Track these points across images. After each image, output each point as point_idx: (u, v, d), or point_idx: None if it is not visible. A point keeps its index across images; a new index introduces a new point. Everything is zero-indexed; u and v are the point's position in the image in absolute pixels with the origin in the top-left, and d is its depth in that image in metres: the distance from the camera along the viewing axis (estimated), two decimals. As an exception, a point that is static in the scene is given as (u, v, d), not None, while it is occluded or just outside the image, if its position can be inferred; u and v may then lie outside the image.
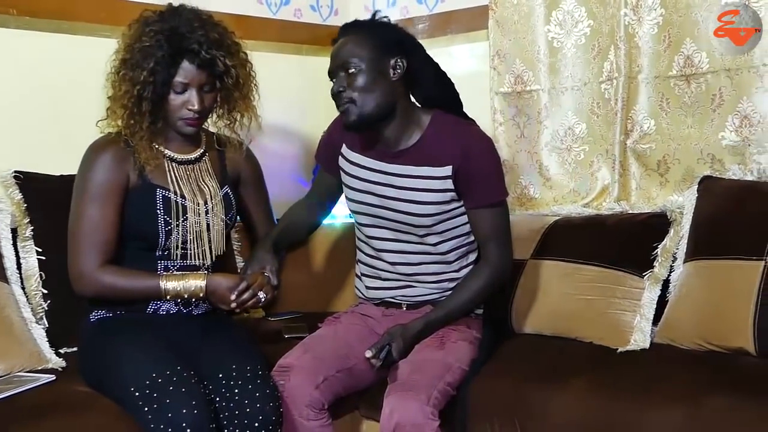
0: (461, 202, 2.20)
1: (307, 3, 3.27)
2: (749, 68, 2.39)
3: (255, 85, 2.19)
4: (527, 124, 2.90)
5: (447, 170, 2.15)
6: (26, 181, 2.30)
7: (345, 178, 2.31)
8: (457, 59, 3.10)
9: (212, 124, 2.24)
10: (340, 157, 2.31)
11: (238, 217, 2.31)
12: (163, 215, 2.07)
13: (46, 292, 2.25)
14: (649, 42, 2.59)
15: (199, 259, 2.14)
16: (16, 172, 2.30)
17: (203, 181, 2.17)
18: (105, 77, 2.07)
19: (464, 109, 2.27)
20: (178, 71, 2.02)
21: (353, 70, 2.09)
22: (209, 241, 2.15)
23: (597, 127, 2.74)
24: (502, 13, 2.88)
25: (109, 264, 2.04)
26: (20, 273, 2.24)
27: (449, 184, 2.16)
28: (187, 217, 2.09)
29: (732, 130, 2.44)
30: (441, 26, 3.16)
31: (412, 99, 2.22)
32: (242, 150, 2.28)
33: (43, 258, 2.25)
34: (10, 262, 2.22)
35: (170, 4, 2.12)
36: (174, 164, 2.14)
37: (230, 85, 2.11)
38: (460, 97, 2.26)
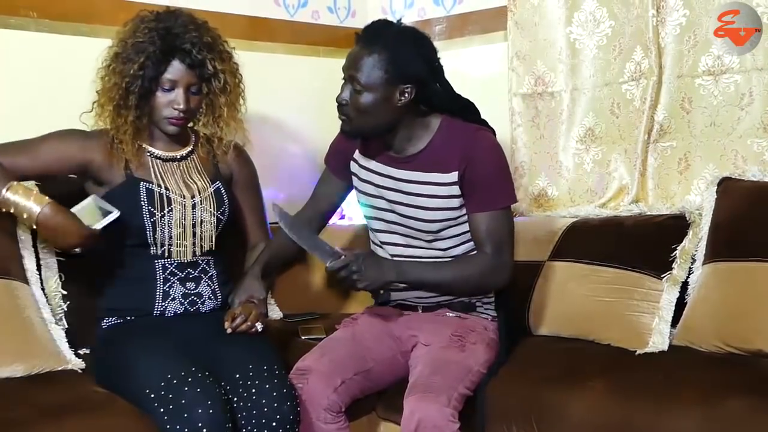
0: None
1: (325, 5, 3.27)
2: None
3: (242, 95, 2.21)
4: (547, 125, 2.88)
5: (453, 176, 2.13)
6: (46, 182, 2.31)
7: (358, 184, 2.30)
8: (475, 61, 3.09)
9: (200, 129, 2.26)
10: (352, 162, 2.30)
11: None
12: (148, 206, 2.09)
13: (65, 293, 2.25)
14: (672, 42, 2.57)
15: (190, 255, 2.15)
16: (36, 173, 2.32)
17: (190, 177, 2.19)
18: (96, 72, 2.10)
19: (481, 115, 2.23)
20: (167, 69, 2.05)
21: (359, 88, 2.05)
22: (199, 237, 2.15)
23: (616, 127, 2.73)
24: (522, 14, 2.87)
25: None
26: (40, 274, 2.24)
27: (456, 190, 2.14)
28: (171, 208, 2.11)
29: (760, 127, 2.43)
30: (458, 27, 3.15)
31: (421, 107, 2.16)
32: (231, 150, 2.27)
33: (63, 259, 2.26)
34: (30, 263, 2.22)
35: (168, 7, 2.15)
36: (159, 161, 2.16)
37: (217, 90, 2.13)
38: (474, 102, 2.22)
